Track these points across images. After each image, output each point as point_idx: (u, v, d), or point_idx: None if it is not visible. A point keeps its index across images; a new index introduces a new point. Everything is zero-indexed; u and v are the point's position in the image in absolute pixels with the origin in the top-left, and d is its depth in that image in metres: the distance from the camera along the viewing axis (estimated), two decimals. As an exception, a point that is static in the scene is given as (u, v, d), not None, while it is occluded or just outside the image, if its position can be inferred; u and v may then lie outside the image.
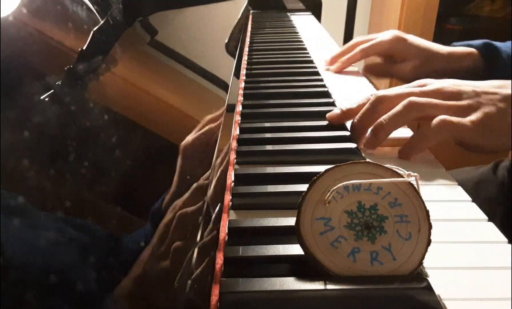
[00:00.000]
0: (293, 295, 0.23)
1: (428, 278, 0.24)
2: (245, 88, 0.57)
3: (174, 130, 0.31)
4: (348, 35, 1.50)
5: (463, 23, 1.54)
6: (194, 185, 0.25)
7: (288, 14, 1.18)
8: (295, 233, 0.25)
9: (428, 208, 0.24)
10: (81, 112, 0.22)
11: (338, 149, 0.40)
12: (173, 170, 0.26)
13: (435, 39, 1.39)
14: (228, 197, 0.33)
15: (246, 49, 0.79)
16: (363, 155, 0.40)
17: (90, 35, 0.26)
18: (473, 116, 0.38)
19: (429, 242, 0.24)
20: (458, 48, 0.64)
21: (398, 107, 0.39)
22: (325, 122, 0.46)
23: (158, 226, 0.21)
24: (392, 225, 0.24)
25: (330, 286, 0.23)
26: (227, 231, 0.28)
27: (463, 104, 0.39)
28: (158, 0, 0.44)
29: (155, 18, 0.41)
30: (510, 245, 0.28)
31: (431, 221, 0.24)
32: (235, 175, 0.35)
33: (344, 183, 0.24)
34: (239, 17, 0.85)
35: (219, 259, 0.26)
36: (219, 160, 0.32)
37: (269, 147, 0.41)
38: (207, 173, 0.29)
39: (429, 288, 0.23)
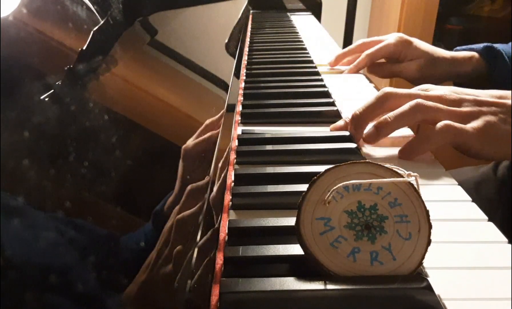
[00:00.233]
0: (293, 295, 0.23)
1: (428, 278, 0.24)
2: (245, 88, 0.57)
3: (174, 130, 0.31)
4: (348, 35, 1.50)
5: (463, 23, 1.54)
6: (189, 187, 0.25)
7: (288, 14, 1.18)
8: (295, 233, 0.25)
9: (428, 208, 0.24)
10: (81, 113, 0.22)
11: (338, 149, 0.40)
12: (173, 170, 0.26)
13: (435, 39, 1.39)
14: (228, 197, 0.33)
15: (246, 49, 0.79)
16: (363, 155, 0.40)
17: (90, 35, 0.26)
18: (475, 124, 0.39)
19: (429, 242, 0.24)
20: (460, 53, 0.64)
21: (405, 107, 0.40)
22: (325, 122, 0.46)
23: (160, 228, 0.21)
24: (392, 225, 0.24)
25: (330, 286, 0.23)
26: (227, 231, 0.28)
27: (465, 111, 0.39)
28: (158, 0, 0.44)
29: (155, 18, 0.41)
30: (510, 245, 0.28)
31: (431, 221, 0.24)
32: (235, 174, 0.35)
33: (344, 183, 0.24)
34: (239, 17, 0.85)
35: (219, 259, 0.26)
36: (219, 160, 0.32)
37: (269, 147, 0.41)
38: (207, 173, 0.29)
39: (429, 288, 0.23)
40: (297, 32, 0.94)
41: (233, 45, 0.65)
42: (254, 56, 0.74)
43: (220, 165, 0.32)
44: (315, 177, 0.25)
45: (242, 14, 0.91)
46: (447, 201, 0.33)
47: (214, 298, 0.23)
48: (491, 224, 0.30)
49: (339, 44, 0.88)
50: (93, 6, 0.28)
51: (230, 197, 0.33)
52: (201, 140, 0.30)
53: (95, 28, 0.26)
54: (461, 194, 0.34)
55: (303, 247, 0.24)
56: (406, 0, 1.37)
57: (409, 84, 0.60)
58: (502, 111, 0.40)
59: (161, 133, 0.29)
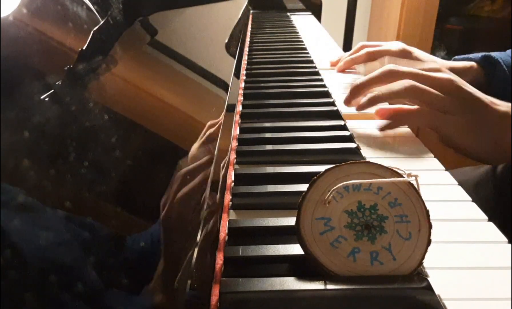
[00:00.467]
0: (293, 295, 0.23)
1: (428, 278, 0.24)
2: (245, 88, 0.57)
3: (174, 130, 0.31)
4: (348, 35, 1.50)
5: (463, 23, 1.54)
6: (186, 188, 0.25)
7: (288, 14, 1.18)
8: (295, 233, 0.25)
9: (428, 208, 0.24)
10: (81, 112, 0.22)
11: (338, 149, 0.40)
12: (173, 169, 0.26)
13: (435, 39, 1.39)
14: (228, 197, 0.33)
15: (246, 49, 0.79)
16: (363, 155, 0.40)
17: (90, 35, 0.26)
18: (459, 117, 0.41)
19: (429, 242, 0.24)
20: (459, 63, 0.64)
21: (399, 85, 0.43)
22: (325, 122, 0.46)
23: (169, 229, 0.21)
24: (392, 225, 0.24)
25: (330, 286, 0.23)
26: (227, 231, 0.28)
27: (455, 103, 0.42)
28: (158, 0, 0.44)
29: (155, 18, 0.41)
30: (510, 245, 0.28)
31: (431, 221, 0.24)
32: (235, 174, 0.35)
33: (344, 182, 0.24)
34: (239, 17, 0.85)
35: (219, 259, 0.26)
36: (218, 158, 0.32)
37: (269, 147, 0.41)
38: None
39: (429, 288, 0.23)
40: (297, 32, 0.94)
41: (233, 45, 0.65)
42: (254, 56, 0.74)
43: (219, 163, 0.32)
44: (315, 177, 0.25)
45: (242, 14, 0.91)
46: (447, 201, 0.33)
47: (214, 298, 0.23)
48: (491, 224, 0.30)
49: (339, 44, 0.88)
50: (93, 6, 0.28)
51: (230, 197, 0.33)
52: (203, 141, 0.31)
53: (95, 28, 0.26)
54: (461, 193, 0.34)
55: (303, 247, 0.24)
56: (406, 0, 1.37)
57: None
58: (491, 112, 0.42)
59: (161, 133, 0.29)
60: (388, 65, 0.46)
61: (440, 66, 0.46)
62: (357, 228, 0.24)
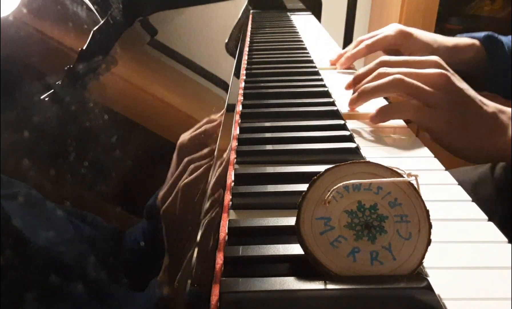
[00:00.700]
0: (293, 295, 0.23)
1: (428, 278, 0.24)
2: (245, 88, 0.57)
3: (174, 130, 0.31)
4: (348, 35, 1.50)
5: (463, 23, 1.54)
6: (182, 183, 0.25)
7: (288, 14, 1.18)
8: (295, 233, 0.25)
9: (428, 208, 0.24)
10: (81, 112, 0.22)
11: (338, 149, 0.40)
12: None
13: (435, 39, 1.38)
14: (228, 197, 0.33)
15: (246, 49, 0.79)
16: (363, 155, 0.40)
17: (90, 35, 0.26)
18: (445, 112, 0.42)
19: (429, 242, 0.24)
20: (462, 40, 0.64)
21: (386, 80, 0.44)
22: (325, 122, 0.46)
23: (154, 221, 0.21)
24: (392, 224, 0.24)
25: (330, 286, 0.23)
26: (227, 231, 0.28)
27: (444, 98, 0.42)
28: (158, 0, 0.44)
29: (155, 18, 0.41)
30: (510, 244, 0.28)
31: (431, 221, 0.24)
32: (235, 174, 0.35)
33: (344, 182, 0.24)
34: (239, 17, 0.85)
35: (219, 259, 0.26)
36: (218, 158, 0.32)
37: (269, 147, 0.41)
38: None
39: (429, 287, 0.23)
40: (297, 32, 0.94)
41: (233, 45, 0.65)
42: (254, 56, 0.74)
43: (219, 163, 0.32)
44: (315, 177, 0.25)
45: (242, 14, 0.91)
46: (447, 201, 0.33)
47: (214, 297, 0.23)
48: (491, 224, 0.30)
49: (339, 44, 0.88)
50: (93, 6, 0.28)
51: (230, 197, 0.33)
52: (197, 134, 0.31)
53: (95, 28, 0.26)
54: (461, 193, 0.34)
55: (303, 246, 0.24)
56: (406, 0, 1.37)
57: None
58: (480, 111, 0.42)
59: (161, 133, 0.29)
60: (382, 57, 0.48)
61: (435, 60, 0.46)
62: (357, 228, 0.24)
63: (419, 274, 0.24)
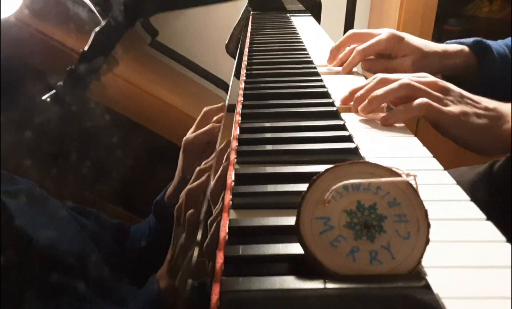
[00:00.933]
0: (293, 294, 0.23)
1: (426, 277, 0.24)
2: (245, 89, 0.57)
3: (174, 130, 0.31)
4: (347, 36, 1.50)
5: (461, 24, 1.54)
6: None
7: (288, 15, 1.19)
8: (295, 232, 0.25)
9: (426, 207, 0.24)
10: (83, 112, 0.22)
11: (338, 149, 0.40)
12: (174, 169, 0.26)
13: (434, 40, 1.39)
14: (228, 197, 0.33)
15: (246, 50, 0.79)
16: (362, 155, 0.40)
17: (92, 36, 0.26)
18: (451, 108, 0.45)
19: (427, 241, 0.24)
20: (451, 46, 0.65)
21: (395, 84, 0.47)
22: (325, 122, 0.46)
23: (161, 217, 0.22)
24: (391, 224, 0.24)
25: (329, 285, 0.23)
26: (227, 230, 0.29)
27: (447, 98, 0.46)
28: (159, 1, 0.44)
29: (156, 19, 0.41)
30: (508, 244, 0.28)
31: (429, 220, 0.24)
32: (235, 174, 0.36)
33: (344, 182, 0.24)
34: (239, 18, 0.85)
35: (220, 258, 0.26)
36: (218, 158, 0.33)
37: (269, 147, 0.41)
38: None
39: (427, 287, 0.23)
40: (297, 33, 0.94)
41: (233, 46, 0.65)
42: (254, 57, 0.74)
43: (219, 163, 0.33)
44: (315, 177, 0.25)
45: (242, 15, 0.91)
46: (445, 201, 0.33)
47: (215, 297, 0.23)
48: (490, 223, 0.30)
49: (339, 45, 0.88)
50: (95, 7, 0.28)
51: (231, 197, 0.33)
52: (202, 133, 0.31)
53: (96, 29, 0.27)
54: (460, 193, 0.35)
55: (303, 246, 0.25)
56: (405, 1, 1.37)
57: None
58: (479, 109, 0.46)
59: (162, 133, 0.30)
60: (380, 74, 0.50)
61: (423, 74, 0.50)
62: (356, 228, 0.24)
63: (417, 273, 0.24)
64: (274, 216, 0.29)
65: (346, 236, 0.24)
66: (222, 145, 0.32)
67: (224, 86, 0.46)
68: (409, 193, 0.24)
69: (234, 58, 0.61)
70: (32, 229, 0.15)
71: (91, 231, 0.17)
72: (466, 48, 0.64)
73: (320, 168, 0.26)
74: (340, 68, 0.70)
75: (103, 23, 0.28)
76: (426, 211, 0.24)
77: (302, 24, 1.07)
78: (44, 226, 0.15)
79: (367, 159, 0.39)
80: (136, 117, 0.28)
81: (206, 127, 0.31)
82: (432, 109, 0.45)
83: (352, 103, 0.51)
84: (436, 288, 0.24)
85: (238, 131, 0.44)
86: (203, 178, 0.26)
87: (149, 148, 0.27)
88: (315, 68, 0.68)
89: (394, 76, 0.49)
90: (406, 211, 0.24)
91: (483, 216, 0.31)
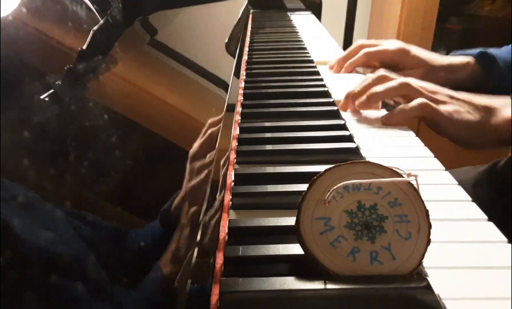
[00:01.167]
0: (293, 295, 0.23)
1: (427, 278, 0.24)
2: (245, 88, 0.57)
3: (174, 130, 0.31)
4: (348, 35, 1.50)
5: (463, 23, 1.54)
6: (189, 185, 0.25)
7: (288, 13, 1.18)
8: (295, 233, 0.25)
9: (428, 208, 0.24)
10: (81, 112, 0.22)
11: (338, 149, 0.40)
12: (173, 169, 0.26)
13: (436, 39, 1.39)
14: (228, 197, 0.33)
15: (246, 48, 0.79)
16: (363, 155, 0.40)
17: (90, 35, 0.26)
18: (445, 107, 0.48)
19: (428, 242, 0.24)
20: (456, 58, 0.66)
21: (394, 83, 0.49)
22: (325, 122, 0.46)
23: (168, 226, 0.21)
24: (392, 224, 0.24)
25: (330, 286, 0.23)
26: (227, 231, 0.28)
27: (439, 99, 0.49)
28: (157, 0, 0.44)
29: (155, 17, 0.41)
30: (509, 244, 0.28)
31: (430, 221, 0.24)
32: (235, 174, 0.35)
33: (344, 182, 0.24)
34: (239, 16, 0.85)
35: (219, 259, 0.26)
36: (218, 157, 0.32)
37: (269, 147, 0.41)
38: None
39: (428, 287, 0.23)
40: (297, 32, 0.94)
41: (233, 45, 0.65)
42: (254, 56, 0.74)
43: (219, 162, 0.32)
44: (315, 177, 0.25)
45: (242, 13, 0.91)
46: (447, 201, 0.33)
47: (214, 297, 0.23)
48: (491, 224, 0.30)
49: (339, 44, 0.88)
50: (93, 6, 0.28)
51: (230, 197, 0.33)
52: (205, 139, 0.31)
53: (95, 28, 0.26)
54: (461, 193, 0.34)
55: (303, 246, 0.24)
56: (406, 0, 1.37)
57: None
58: (470, 106, 0.48)
59: (161, 133, 0.29)
60: (380, 70, 0.51)
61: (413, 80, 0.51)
62: (357, 228, 0.24)
63: (418, 274, 0.24)
64: (274, 216, 0.29)
65: (347, 236, 0.24)
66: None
67: (224, 86, 0.46)
68: (410, 193, 0.24)
69: (234, 57, 0.60)
70: (26, 234, 0.15)
71: (87, 235, 0.17)
72: (471, 60, 0.65)
73: (321, 168, 0.26)
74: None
75: (101, 21, 0.28)
76: (427, 211, 0.24)
77: (302, 22, 1.06)
78: (38, 230, 0.15)
79: (367, 159, 0.39)
80: (135, 117, 0.28)
81: (206, 135, 0.32)
82: (430, 109, 0.47)
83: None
84: (437, 288, 0.24)
85: (238, 131, 0.44)
86: (202, 175, 0.25)
87: (148, 148, 0.27)
88: (315, 67, 0.68)
89: (394, 75, 0.51)
90: (407, 211, 0.24)
91: (484, 217, 0.31)
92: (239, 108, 0.51)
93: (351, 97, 0.51)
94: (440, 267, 0.26)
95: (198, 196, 0.26)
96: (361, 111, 0.51)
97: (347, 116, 0.49)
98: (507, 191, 0.55)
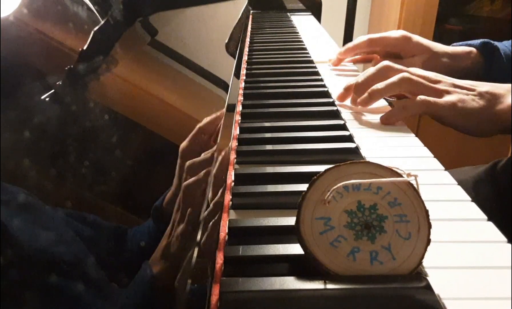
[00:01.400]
0: (293, 295, 0.23)
1: (427, 278, 0.24)
2: (245, 88, 0.57)
3: (174, 130, 0.31)
4: (348, 35, 1.50)
5: (462, 23, 1.54)
6: (185, 183, 0.25)
7: (288, 14, 1.18)
8: (295, 233, 0.25)
9: (427, 208, 0.24)
10: (82, 112, 0.22)
11: (338, 149, 0.40)
12: (174, 169, 0.26)
13: (435, 40, 1.39)
14: (228, 197, 0.33)
15: (246, 49, 0.79)
16: (363, 155, 0.40)
17: (91, 36, 0.26)
18: (448, 98, 0.47)
19: (428, 242, 0.24)
20: (459, 48, 0.66)
21: (394, 78, 0.48)
22: (325, 122, 0.46)
23: (160, 222, 0.21)
24: (392, 224, 0.24)
25: (330, 286, 0.23)
26: (227, 231, 0.29)
27: (442, 89, 0.48)
28: (158, 0, 0.44)
29: (155, 18, 0.41)
30: (509, 244, 0.28)
31: (430, 221, 0.24)
32: (235, 174, 0.35)
33: (344, 182, 0.24)
34: (239, 17, 0.85)
35: (219, 259, 0.26)
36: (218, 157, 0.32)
37: (269, 147, 0.41)
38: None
39: (428, 287, 0.23)
40: (297, 32, 0.94)
41: (233, 45, 0.65)
42: (254, 56, 0.74)
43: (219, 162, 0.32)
44: (315, 177, 0.25)
45: (242, 14, 0.91)
46: (446, 201, 0.33)
47: (214, 297, 0.23)
48: (491, 224, 0.30)
49: (339, 44, 0.88)
50: (94, 6, 0.28)
51: (230, 197, 0.33)
52: (196, 134, 0.31)
53: (95, 29, 0.26)
54: (461, 193, 0.34)
55: (303, 246, 0.24)
56: (406, 0, 1.37)
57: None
58: (473, 93, 0.48)
59: (162, 133, 0.30)
60: (384, 62, 0.51)
61: (414, 68, 0.51)
62: (356, 228, 0.24)
63: (418, 274, 0.24)
64: (274, 216, 0.29)
65: (347, 236, 0.24)
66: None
67: (224, 86, 0.46)
68: (410, 193, 0.24)
69: (234, 58, 0.60)
70: (25, 236, 0.15)
71: (87, 236, 0.17)
72: (474, 50, 0.65)
73: (321, 168, 0.26)
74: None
75: (102, 22, 0.28)
76: (427, 211, 0.24)
77: (302, 23, 1.07)
78: (37, 232, 0.15)
79: (367, 159, 0.39)
80: (136, 117, 0.28)
81: (195, 130, 0.32)
82: (430, 105, 0.47)
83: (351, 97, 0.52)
84: (437, 288, 0.24)
85: (238, 131, 0.44)
86: (201, 174, 0.25)
87: (148, 147, 0.27)
88: (315, 67, 0.68)
89: (398, 67, 0.50)
90: (407, 211, 0.24)
91: (484, 216, 0.31)
92: (239, 108, 0.51)
93: (352, 89, 0.51)
94: (440, 267, 0.26)
95: (194, 193, 0.26)
96: (361, 107, 0.50)
97: (347, 116, 0.49)
98: (507, 191, 0.55)
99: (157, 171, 0.26)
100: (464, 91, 0.48)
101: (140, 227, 0.21)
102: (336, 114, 0.49)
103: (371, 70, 0.51)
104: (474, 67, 0.64)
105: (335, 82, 0.62)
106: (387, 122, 0.47)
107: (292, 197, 0.31)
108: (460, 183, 0.36)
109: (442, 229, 0.29)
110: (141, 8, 0.38)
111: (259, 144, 0.41)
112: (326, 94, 0.55)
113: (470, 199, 0.33)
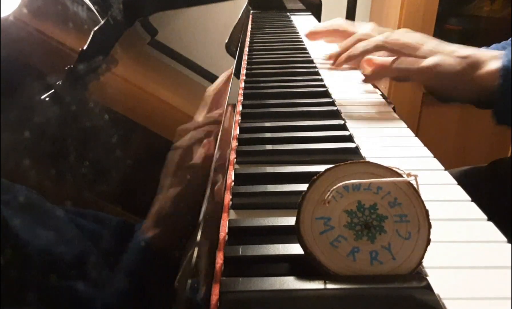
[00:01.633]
0: (293, 295, 0.23)
1: (427, 278, 0.24)
2: (245, 88, 0.57)
3: (174, 130, 0.31)
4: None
5: (462, 23, 1.54)
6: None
7: (288, 14, 1.18)
8: (295, 233, 0.25)
9: (427, 208, 0.24)
10: (82, 112, 0.22)
11: (338, 149, 0.40)
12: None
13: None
14: (228, 197, 0.33)
15: (246, 49, 0.79)
16: (363, 155, 0.40)
17: (91, 35, 0.26)
18: (426, 62, 0.48)
19: (428, 242, 0.24)
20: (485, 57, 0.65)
21: (371, 42, 0.53)
22: (325, 122, 0.46)
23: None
24: (392, 224, 0.24)
25: (329, 286, 0.23)
26: (227, 231, 0.29)
27: (422, 53, 0.49)
28: (158, 0, 0.44)
29: (155, 18, 0.41)
30: (509, 244, 0.28)
31: (430, 221, 0.24)
32: (235, 174, 0.35)
33: (344, 182, 0.24)
34: (239, 17, 0.85)
35: (219, 259, 0.26)
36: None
37: (269, 147, 0.41)
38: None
39: (428, 287, 0.23)
40: (297, 32, 0.94)
41: (233, 45, 0.65)
42: (254, 56, 0.74)
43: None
44: (315, 177, 0.25)
45: (242, 14, 0.91)
46: (446, 201, 0.33)
47: (214, 297, 0.23)
48: (491, 224, 0.30)
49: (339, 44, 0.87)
50: (94, 6, 0.28)
51: (230, 197, 0.33)
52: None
53: (95, 28, 0.26)
54: (461, 193, 0.34)
55: (303, 246, 0.24)
56: (406, 0, 1.37)
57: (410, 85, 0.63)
58: (453, 57, 0.48)
59: (161, 133, 0.30)
60: (358, 33, 0.57)
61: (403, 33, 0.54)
62: (356, 228, 0.24)
63: (418, 274, 0.24)
64: (274, 216, 0.29)
65: (347, 236, 0.24)
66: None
67: (224, 86, 0.46)
68: (410, 193, 0.24)
69: (234, 58, 0.60)
70: (28, 234, 0.15)
71: (91, 232, 0.17)
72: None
73: (320, 168, 0.26)
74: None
75: (102, 22, 0.28)
76: (427, 211, 0.24)
77: (302, 23, 1.06)
78: (40, 230, 0.15)
79: (367, 159, 0.39)
80: (136, 117, 0.28)
81: (200, 131, 0.32)
82: (407, 70, 0.49)
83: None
84: (437, 288, 0.24)
85: (238, 131, 0.44)
86: (199, 172, 0.26)
87: (148, 147, 0.27)
88: (315, 67, 0.68)
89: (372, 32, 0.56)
90: (407, 211, 0.24)
91: (484, 216, 0.31)
92: (239, 108, 0.51)
93: (333, 57, 0.59)
94: (440, 267, 0.26)
95: (197, 195, 0.26)
96: (341, 68, 0.58)
97: (347, 116, 0.49)
98: (507, 191, 0.55)
99: (157, 171, 0.26)
100: (445, 54, 0.49)
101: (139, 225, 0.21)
102: (336, 114, 0.49)
103: (349, 40, 0.57)
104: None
105: (335, 82, 0.62)
106: (368, 82, 0.54)
107: (292, 197, 0.31)
108: (459, 183, 0.36)
109: (442, 229, 0.29)
110: (141, 8, 0.38)
111: (259, 144, 0.41)
112: (326, 94, 0.55)
113: (470, 199, 0.34)
